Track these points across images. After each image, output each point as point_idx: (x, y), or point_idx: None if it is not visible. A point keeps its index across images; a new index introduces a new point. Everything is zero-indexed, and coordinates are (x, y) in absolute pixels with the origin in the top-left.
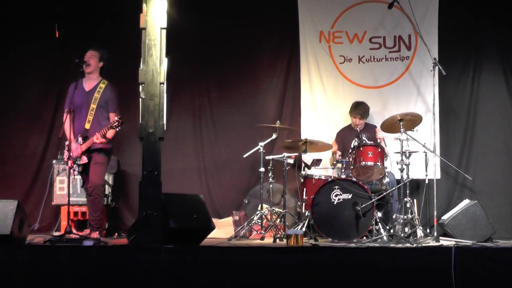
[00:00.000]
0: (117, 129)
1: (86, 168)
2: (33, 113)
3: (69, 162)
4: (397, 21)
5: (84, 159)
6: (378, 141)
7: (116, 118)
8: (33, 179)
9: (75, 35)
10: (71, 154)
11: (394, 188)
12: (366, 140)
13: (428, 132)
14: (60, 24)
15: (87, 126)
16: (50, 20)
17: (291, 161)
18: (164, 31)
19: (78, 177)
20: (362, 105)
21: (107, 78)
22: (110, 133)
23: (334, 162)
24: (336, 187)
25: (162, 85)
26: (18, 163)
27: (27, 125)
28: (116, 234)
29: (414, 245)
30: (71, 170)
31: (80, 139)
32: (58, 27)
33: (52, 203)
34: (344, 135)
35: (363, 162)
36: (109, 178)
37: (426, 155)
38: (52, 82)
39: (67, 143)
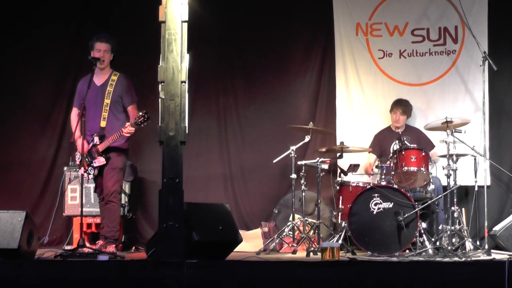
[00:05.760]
0: (142, 126)
1: (102, 171)
2: (43, 116)
3: (82, 164)
4: (442, 11)
5: (102, 161)
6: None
7: (140, 114)
8: (43, 188)
9: (88, 33)
10: (84, 155)
11: (440, 196)
12: (408, 143)
13: (477, 133)
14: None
15: (103, 124)
16: (61, 10)
17: (325, 166)
18: (185, 25)
19: (92, 185)
20: (404, 101)
21: (117, 71)
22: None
23: (374, 168)
24: (376, 195)
25: (183, 84)
26: (27, 170)
27: (36, 128)
28: (134, 247)
29: (463, 259)
30: (85, 174)
31: (96, 138)
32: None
33: (64, 214)
34: (383, 138)
35: (406, 167)
36: (125, 187)
37: (475, 159)
38: (63, 81)
39: (77, 144)
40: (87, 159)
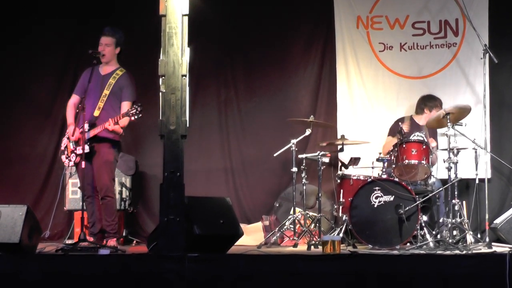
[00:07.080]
0: (133, 118)
1: (89, 157)
2: (43, 111)
3: (67, 150)
4: (443, 4)
5: (86, 148)
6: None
7: (135, 106)
8: (44, 182)
9: (89, 29)
10: (71, 142)
11: (441, 189)
12: (425, 138)
13: (478, 126)
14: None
15: (96, 113)
16: (62, 6)
17: (326, 160)
18: (186, 18)
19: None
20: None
21: (124, 68)
22: (124, 121)
23: (374, 160)
24: (377, 188)
25: (184, 77)
26: (28, 164)
27: (36, 123)
28: (135, 241)
29: (464, 252)
30: (66, 161)
31: (86, 125)
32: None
33: (65, 208)
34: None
35: (406, 161)
36: (126, 181)
37: (476, 152)
38: (64, 75)
39: (68, 130)
40: (72, 146)
